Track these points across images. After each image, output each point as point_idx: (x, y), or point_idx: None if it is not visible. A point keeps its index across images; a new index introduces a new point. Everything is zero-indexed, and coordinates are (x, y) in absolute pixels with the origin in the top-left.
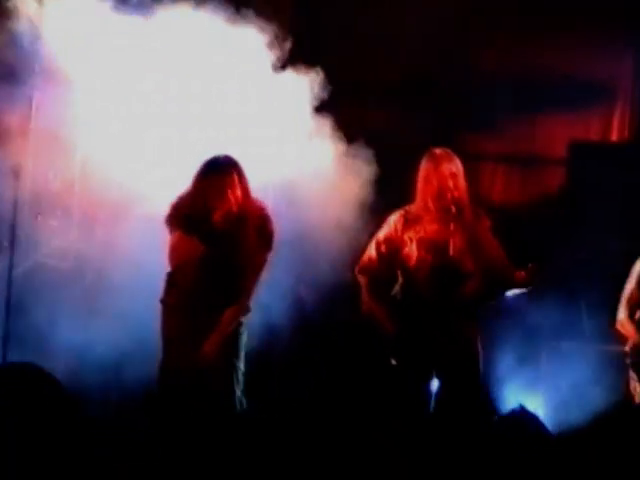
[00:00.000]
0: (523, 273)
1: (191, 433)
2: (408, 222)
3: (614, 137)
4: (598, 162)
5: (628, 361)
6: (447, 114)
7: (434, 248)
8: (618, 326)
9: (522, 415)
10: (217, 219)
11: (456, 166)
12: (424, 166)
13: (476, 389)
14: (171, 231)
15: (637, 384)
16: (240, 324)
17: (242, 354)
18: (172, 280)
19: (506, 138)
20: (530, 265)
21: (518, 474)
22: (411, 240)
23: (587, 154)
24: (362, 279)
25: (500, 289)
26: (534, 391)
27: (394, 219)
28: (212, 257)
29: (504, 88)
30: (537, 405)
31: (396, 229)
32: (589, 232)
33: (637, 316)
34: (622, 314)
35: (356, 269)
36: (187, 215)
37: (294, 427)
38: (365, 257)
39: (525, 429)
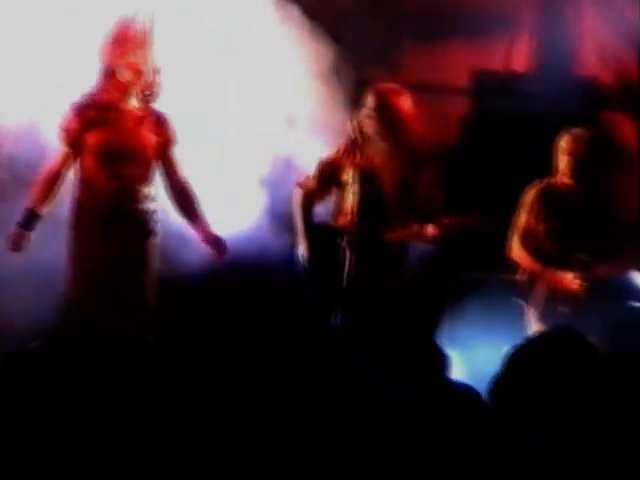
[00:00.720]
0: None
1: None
2: (354, 149)
3: (517, 67)
4: (501, 92)
5: (522, 290)
6: (349, 43)
7: (370, 179)
8: (512, 256)
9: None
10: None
11: (404, 101)
12: (367, 97)
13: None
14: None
15: (531, 313)
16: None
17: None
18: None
19: (408, 67)
20: (445, 221)
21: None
22: (352, 166)
23: (490, 84)
24: (297, 192)
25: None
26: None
27: (342, 144)
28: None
29: (406, 16)
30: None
31: (340, 152)
32: (492, 162)
33: (533, 246)
34: (516, 243)
35: (295, 182)
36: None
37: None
38: (310, 173)
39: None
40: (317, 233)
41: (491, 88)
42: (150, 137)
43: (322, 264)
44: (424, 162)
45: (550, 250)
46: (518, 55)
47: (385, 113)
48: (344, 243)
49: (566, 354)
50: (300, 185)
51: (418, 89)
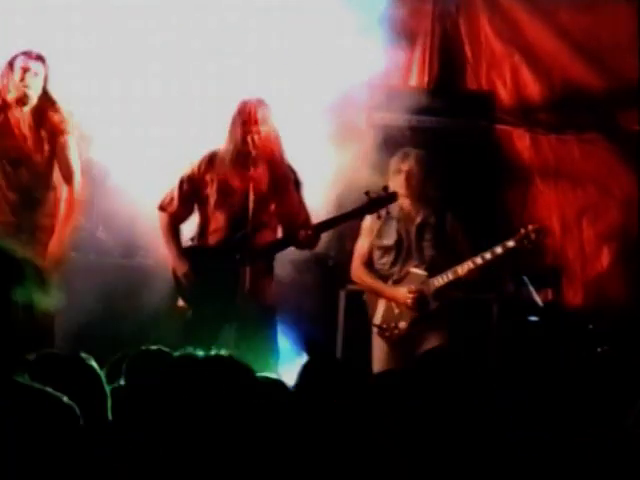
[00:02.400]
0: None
1: None
2: (212, 163)
3: (412, 82)
4: (394, 106)
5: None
6: None
7: (232, 192)
8: (355, 278)
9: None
10: None
11: (262, 113)
12: (234, 110)
13: (270, 340)
14: None
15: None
16: None
17: None
18: None
19: None
20: (312, 227)
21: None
22: (212, 181)
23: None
24: (161, 216)
25: (289, 244)
26: None
27: (199, 159)
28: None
29: None
30: None
31: (199, 169)
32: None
33: (371, 265)
34: (356, 265)
35: (157, 205)
36: None
37: None
38: (167, 195)
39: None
40: (191, 254)
41: (385, 102)
42: (37, 137)
43: (207, 283)
44: (281, 175)
45: (387, 267)
46: (414, 70)
47: (245, 126)
48: (218, 253)
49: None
50: (162, 208)
51: None
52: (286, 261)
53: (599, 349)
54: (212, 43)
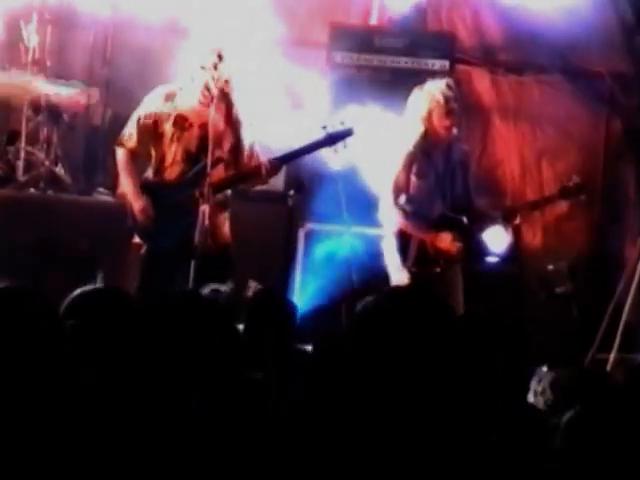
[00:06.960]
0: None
1: None
2: (172, 99)
3: (373, 22)
4: (355, 46)
5: (392, 245)
6: None
7: (189, 127)
8: (385, 213)
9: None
10: None
11: (225, 57)
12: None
13: (225, 273)
14: None
15: (402, 269)
16: None
17: None
18: None
19: None
20: (270, 161)
21: None
22: (170, 116)
23: (344, 38)
24: (120, 152)
25: (243, 180)
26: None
27: (156, 95)
28: None
29: None
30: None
31: (156, 105)
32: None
33: (400, 201)
34: (390, 201)
35: (117, 141)
36: None
37: None
38: (126, 130)
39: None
40: (148, 190)
41: (345, 42)
42: None
43: (163, 220)
44: (235, 115)
45: (423, 205)
46: (374, 9)
47: (212, 68)
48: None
49: (419, 312)
50: (121, 144)
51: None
52: (245, 198)
53: (558, 290)
54: None
